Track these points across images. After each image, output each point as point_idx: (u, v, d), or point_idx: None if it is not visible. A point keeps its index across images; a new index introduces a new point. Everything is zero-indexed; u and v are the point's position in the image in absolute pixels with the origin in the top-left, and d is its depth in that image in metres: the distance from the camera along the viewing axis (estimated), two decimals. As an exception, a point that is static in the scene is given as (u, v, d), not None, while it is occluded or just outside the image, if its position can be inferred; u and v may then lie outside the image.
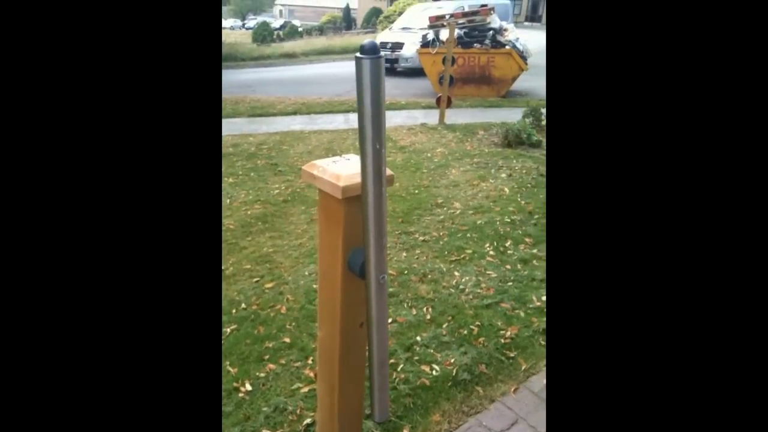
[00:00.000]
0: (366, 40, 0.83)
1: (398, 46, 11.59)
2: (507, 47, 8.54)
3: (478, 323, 2.43)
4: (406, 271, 2.94)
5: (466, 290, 2.73)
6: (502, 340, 2.31)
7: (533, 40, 11.51)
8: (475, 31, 8.79)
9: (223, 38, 16.60)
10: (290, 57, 16.28)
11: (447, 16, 8.58)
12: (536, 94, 8.92)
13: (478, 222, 3.60)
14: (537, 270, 2.92)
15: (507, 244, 3.26)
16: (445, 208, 3.89)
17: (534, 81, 9.36)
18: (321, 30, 26.75)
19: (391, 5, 26.24)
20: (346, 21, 31.53)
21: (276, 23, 31.77)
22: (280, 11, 51.19)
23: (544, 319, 2.44)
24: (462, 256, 3.12)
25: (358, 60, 0.75)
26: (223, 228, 3.52)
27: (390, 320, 2.44)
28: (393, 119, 6.97)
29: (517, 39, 9.13)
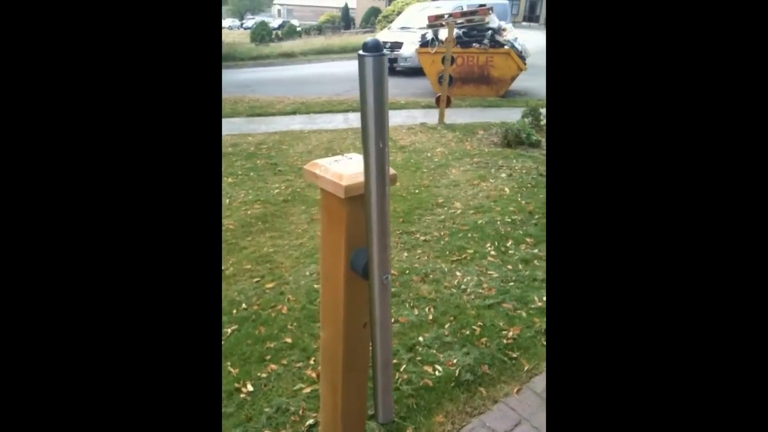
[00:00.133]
0: (368, 38, 0.82)
1: (397, 45, 11.58)
2: (506, 47, 8.54)
3: (480, 323, 2.43)
4: (407, 271, 2.94)
5: (468, 290, 2.73)
6: (505, 341, 2.30)
7: (531, 40, 11.50)
8: (473, 31, 8.79)
9: (222, 38, 16.58)
10: (289, 57, 16.25)
11: (446, 16, 8.56)
12: (535, 94, 8.92)
13: (479, 222, 3.60)
14: (538, 270, 2.91)
15: (508, 244, 3.25)
16: (445, 208, 3.88)
17: (533, 81, 9.36)
18: (319, 30, 26.70)
19: (389, 5, 26.28)
20: (345, 21, 31.52)
21: (274, 23, 31.83)
22: (279, 11, 51.26)
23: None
24: (463, 256, 3.12)
25: (361, 57, 0.74)
26: (223, 228, 3.51)
27: (392, 320, 2.43)
28: (393, 119, 6.96)
29: (516, 39, 9.12)
